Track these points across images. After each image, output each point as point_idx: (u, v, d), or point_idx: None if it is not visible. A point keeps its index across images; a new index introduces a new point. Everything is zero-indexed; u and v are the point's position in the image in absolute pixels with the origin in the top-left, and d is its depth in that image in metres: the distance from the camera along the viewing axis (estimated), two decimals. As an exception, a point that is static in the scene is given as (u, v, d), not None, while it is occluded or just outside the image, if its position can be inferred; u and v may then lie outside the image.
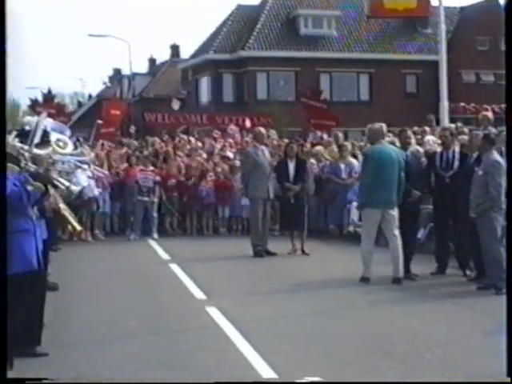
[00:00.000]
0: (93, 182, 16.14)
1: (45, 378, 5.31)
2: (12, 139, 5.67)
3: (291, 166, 14.56)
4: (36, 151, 6.03)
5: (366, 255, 11.21)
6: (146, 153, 18.89)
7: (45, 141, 7.81)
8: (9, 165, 5.38)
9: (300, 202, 14.52)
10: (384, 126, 11.61)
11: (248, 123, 23.79)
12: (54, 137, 7.77)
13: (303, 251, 14.32)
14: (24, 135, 7.30)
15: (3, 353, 3.38)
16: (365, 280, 11.06)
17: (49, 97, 23.45)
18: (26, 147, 5.79)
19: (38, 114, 19.11)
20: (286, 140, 20.25)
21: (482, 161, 10.48)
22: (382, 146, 11.40)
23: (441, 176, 11.88)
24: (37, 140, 6.55)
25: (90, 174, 15.66)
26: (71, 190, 7.53)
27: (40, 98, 23.60)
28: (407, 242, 11.39)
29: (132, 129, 23.88)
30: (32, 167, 5.87)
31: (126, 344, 7.69)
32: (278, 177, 14.77)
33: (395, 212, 11.20)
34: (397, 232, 11.18)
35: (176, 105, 32.99)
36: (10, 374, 5.93)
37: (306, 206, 14.94)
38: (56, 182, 6.98)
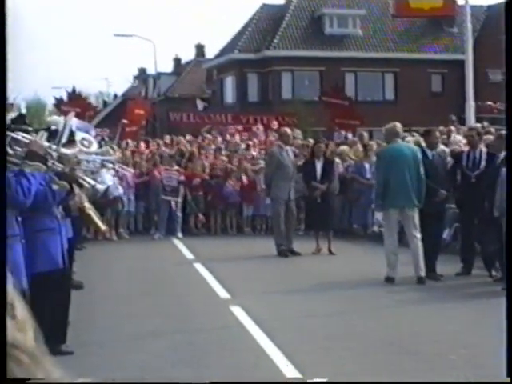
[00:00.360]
0: (116, 181, 16.23)
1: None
2: (40, 138, 5.71)
3: (318, 165, 14.51)
4: (63, 151, 6.07)
5: (390, 255, 11.17)
6: (170, 152, 18.94)
7: (70, 140, 7.85)
8: (35, 164, 5.43)
9: (326, 202, 14.47)
10: (398, 124, 11.51)
11: (275, 124, 23.71)
12: (78, 136, 7.81)
13: (330, 251, 14.27)
14: (50, 134, 7.33)
15: (3, 353, 3.38)
16: (389, 280, 11.02)
17: (73, 95, 23.51)
18: (54, 146, 5.82)
19: (64, 112, 19.22)
20: (311, 140, 20.22)
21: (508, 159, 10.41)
22: (394, 144, 11.34)
23: (467, 175, 11.80)
24: (64, 140, 6.60)
25: (113, 172, 15.77)
26: (97, 189, 7.55)
27: (65, 97, 23.67)
28: (432, 242, 11.33)
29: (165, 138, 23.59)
30: (59, 166, 5.90)
31: (151, 343, 7.71)
32: (304, 176, 14.74)
33: (414, 212, 11.13)
34: (416, 232, 11.11)
35: (201, 105, 32.92)
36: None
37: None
38: (81, 181, 7.01)
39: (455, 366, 6.83)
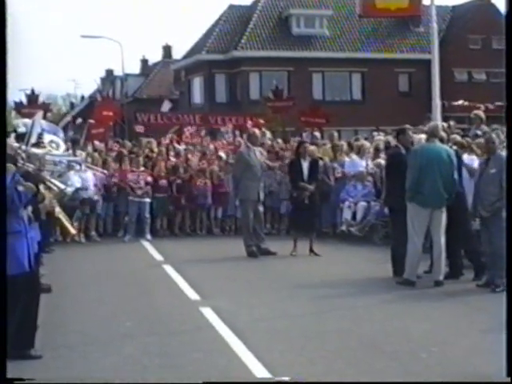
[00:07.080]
0: (92, 186, 16.24)
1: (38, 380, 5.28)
2: (9, 139, 5.66)
3: (305, 165, 14.31)
4: (34, 150, 6.01)
5: (413, 257, 10.84)
6: (139, 153, 18.80)
7: (38, 142, 7.76)
8: (7, 164, 5.37)
9: (314, 203, 14.35)
10: (439, 124, 11.28)
11: (250, 124, 23.56)
12: (47, 138, 7.74)
13: (313, 251, 14.07)
14: (18, 137, 7.24)
15: (3, 353, 3.35)
16: (409, 283, 10.72)
17: (33, 98, 22.82)
18: (23, 147, 5.77)
19: (24, 115, 18.87)
20: (280, 140, 20.20)
21: (491, 160, 10.48)
22: (431, 144, 11.00)
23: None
24: (33, 140, 6.54)
25: (87, 176, 15.70)
26: (65, 192, 7.47)
27: (24, 100, 22.97)
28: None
29: (140, 128, 23.20)
30: (30, 166, 5.85)
31: (122, 345, 7.65)
32: (291, 177, 14.57)
33: (443, 213, 10.83)
34: (442, 235, 10.82)
35: (166, 106, 32.62)
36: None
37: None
38: (48, 183, 6.93)
39: (426, 365, 6.85)
